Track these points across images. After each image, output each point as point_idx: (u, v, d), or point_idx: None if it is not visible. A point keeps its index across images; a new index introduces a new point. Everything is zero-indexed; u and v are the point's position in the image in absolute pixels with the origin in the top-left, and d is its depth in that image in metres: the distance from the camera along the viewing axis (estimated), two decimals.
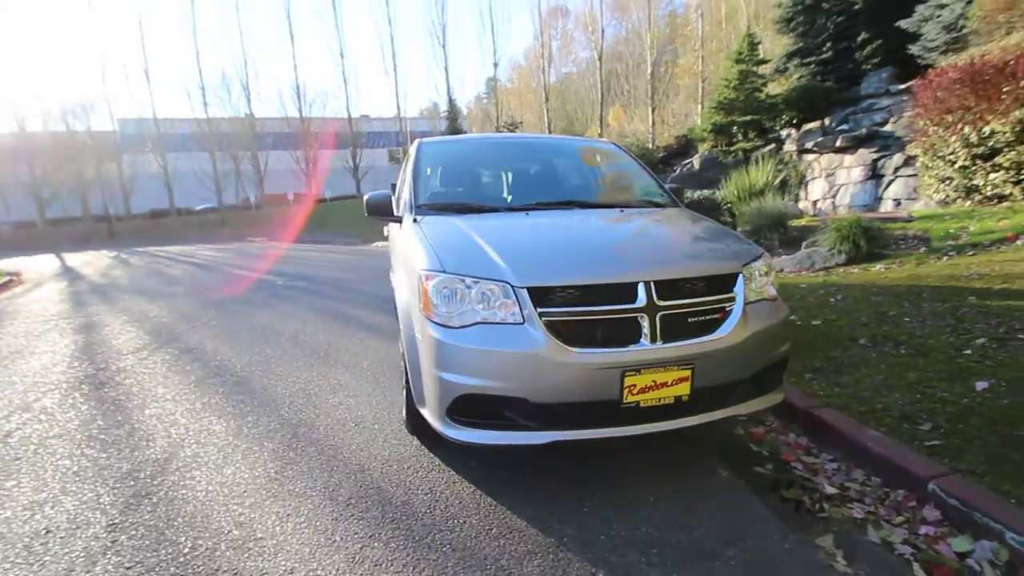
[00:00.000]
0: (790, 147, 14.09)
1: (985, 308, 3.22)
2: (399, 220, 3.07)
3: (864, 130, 11.81)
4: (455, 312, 2.05)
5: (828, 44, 16.34)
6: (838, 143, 12.20)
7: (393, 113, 34.83)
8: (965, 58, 6.40)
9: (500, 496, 2.13)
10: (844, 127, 13.05)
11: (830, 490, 2.12)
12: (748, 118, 14.50)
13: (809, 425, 2.53)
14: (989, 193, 6.15)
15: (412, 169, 3.23)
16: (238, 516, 2.07)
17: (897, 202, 10.46)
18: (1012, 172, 5.85)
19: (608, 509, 2.03)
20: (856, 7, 16.41)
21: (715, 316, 2.12)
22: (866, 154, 11.52)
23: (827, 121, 14.16)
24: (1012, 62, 5.83)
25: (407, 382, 2.48)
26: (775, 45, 18.26)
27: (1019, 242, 4.33)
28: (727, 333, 2.08)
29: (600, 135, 24.94)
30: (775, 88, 15.29)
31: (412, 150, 3.51)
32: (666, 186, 3.35)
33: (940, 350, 2.83)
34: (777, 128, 15.45)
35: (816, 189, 12.87)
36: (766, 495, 2.13)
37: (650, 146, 19.44)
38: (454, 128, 24.85)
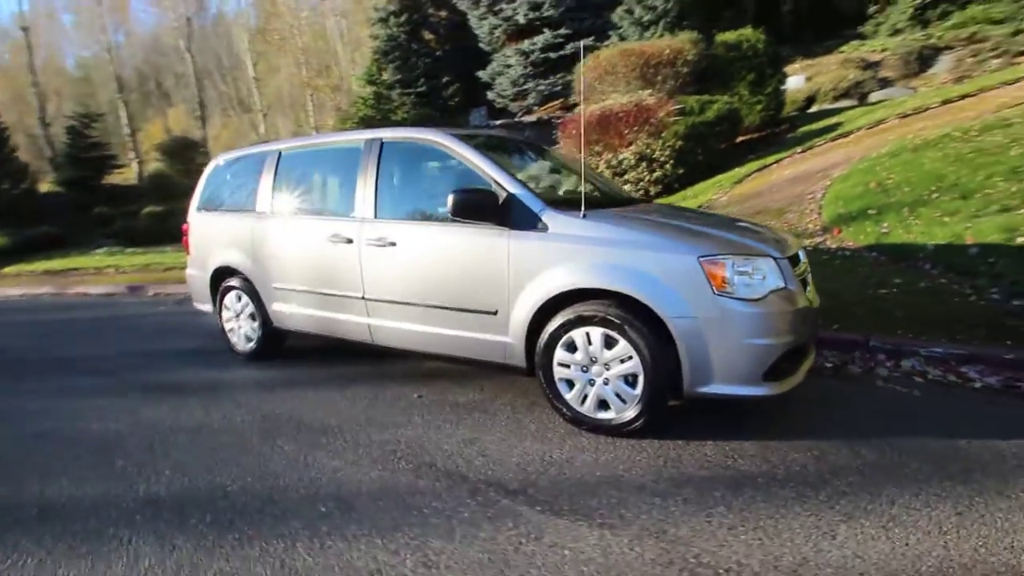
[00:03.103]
0: None
1: None
2: (502, 220, 2.70)
3: None
4: (751, 286, 2.34)
5: (422, 80, 19.42)
6: None
7: None
8: (596, 109, 9.51)
9: (778, 438, 2.53)
10: None
11: (829, 364, 3.52)
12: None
13: None
14: None
15: (490, 167, 2.82)
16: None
17: None
18: (634, 184, 9.23)
19: (813, 428, 2.78)
20: (438, 54, 20.13)
21: None
22: None
23: None
24: (623, 114, 9.15)
25: (556, 393, 2.67)
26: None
27: None
28: None
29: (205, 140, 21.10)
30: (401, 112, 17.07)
31: (449, 143, 2.95)
32: None
33: None
34: None
35: None
36: (817, 379, 3.33)
37: None
38: None
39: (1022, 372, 3.04)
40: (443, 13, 20.76)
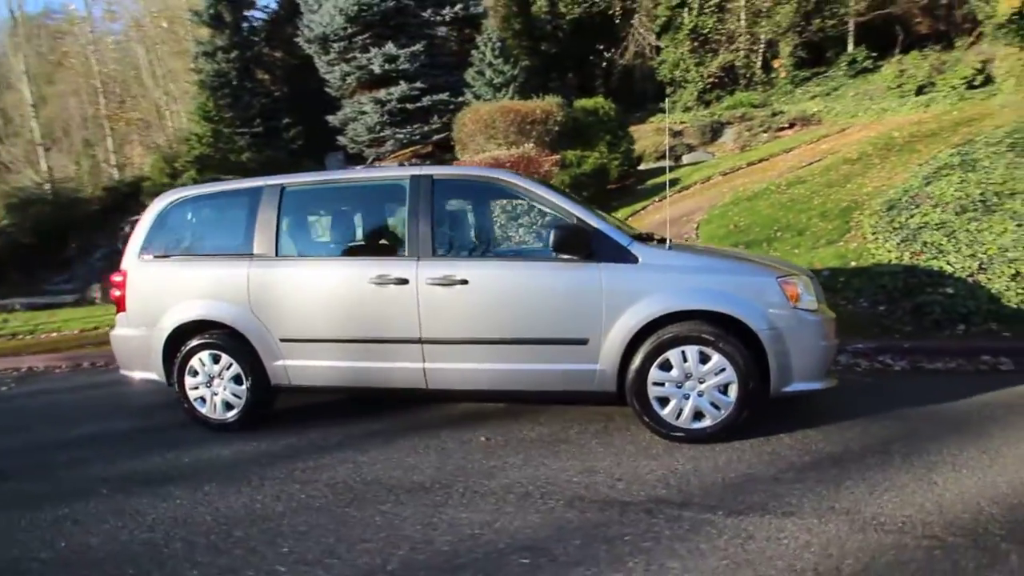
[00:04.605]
0: None
1: None
2: (591, 254, 2.87)
3: None
4: (807, 300, 2.88)
5: (259, 120, 17.97)
6: None
7: None
8: (487, 158, 10.00)
9: (823, 423, 3.05)
10: None
11: None
12: (231, 178, 14.12)
13: None
14: None
15: (572, 205, 2.99)
16: None
17: None
18: (528, 227, 9.85)
19: (833, 411, 3.42)
20: (277, 94, 18.91)
21: None
22: None
23: None
24: (511, 165, 9.81)
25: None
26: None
27: None
28: None
29: None
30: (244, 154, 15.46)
31: (520, 182, 3.03)
32: None
33: None
34: None
35: None
36: None
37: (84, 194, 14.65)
38: None
39: (919, 356, 4.16)
40: (278, 54, 19.74)
